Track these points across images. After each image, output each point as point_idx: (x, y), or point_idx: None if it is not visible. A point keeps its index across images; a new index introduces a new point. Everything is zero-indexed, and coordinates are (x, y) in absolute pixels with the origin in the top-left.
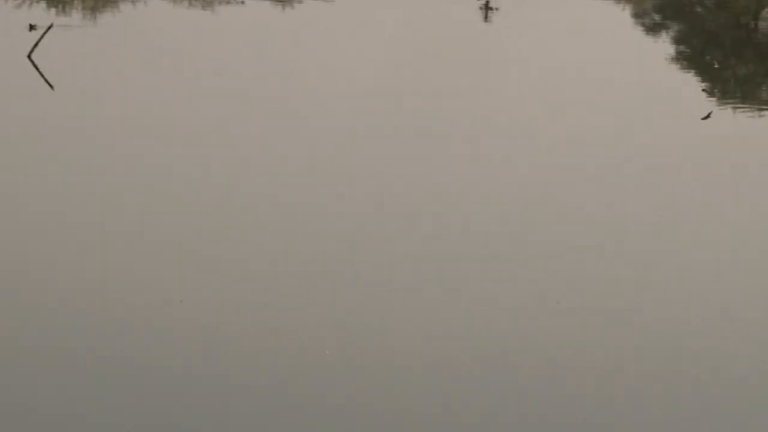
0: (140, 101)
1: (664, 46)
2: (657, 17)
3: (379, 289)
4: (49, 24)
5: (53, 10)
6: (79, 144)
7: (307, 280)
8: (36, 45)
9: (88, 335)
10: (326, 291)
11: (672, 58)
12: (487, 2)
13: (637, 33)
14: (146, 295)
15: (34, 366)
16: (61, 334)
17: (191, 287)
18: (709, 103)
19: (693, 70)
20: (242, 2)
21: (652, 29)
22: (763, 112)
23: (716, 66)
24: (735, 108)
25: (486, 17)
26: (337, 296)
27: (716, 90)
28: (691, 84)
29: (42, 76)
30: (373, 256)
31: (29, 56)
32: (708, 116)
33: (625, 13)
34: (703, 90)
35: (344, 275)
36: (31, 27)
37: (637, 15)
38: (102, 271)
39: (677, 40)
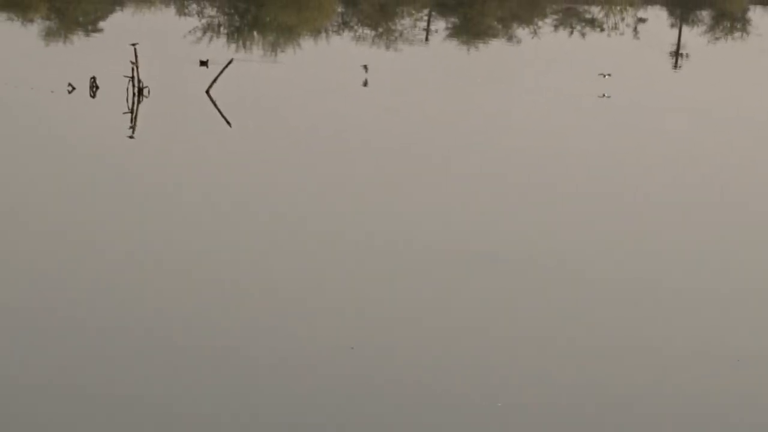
0: (319, 141)
1: None
2: None
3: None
4: (228, 60)
5: (233, 46)
6: (255, 182)
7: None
8: (215, 81)
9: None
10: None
11: None
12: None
13: None
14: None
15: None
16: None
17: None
18: None
19: None
20: (426, 41)
21: None
22: None
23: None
24: None
25: None
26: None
27: None
28: None
29: (220, 112)
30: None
31: (207, 92)
32: None
33: None
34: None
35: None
36: (202, 63)
37: None
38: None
39: None
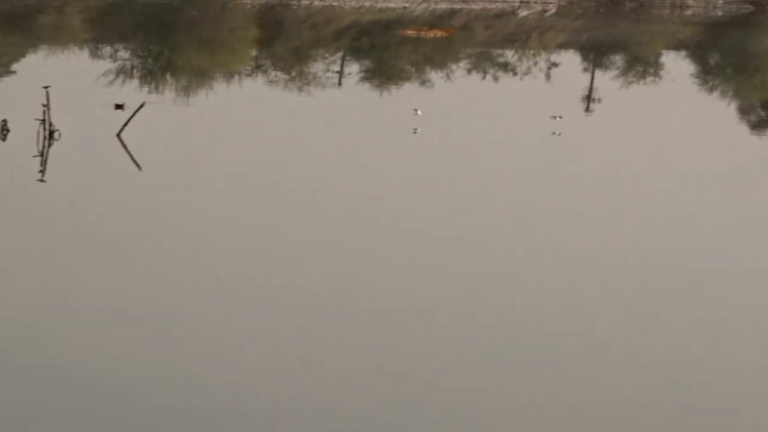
0: (230, 185)
1: None
2: (763, 113)
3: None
4: (140, 103)
5: (146, 89)
6: (164, 227)
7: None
8: (126, 124)
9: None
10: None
11: None
12: None
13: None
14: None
15: None
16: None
17: None
18: None
19: None
20: (339, 85)
21: (758, 126)
22: None
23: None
24: None
25: None
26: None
27: None
28: None
29: (130, 156)
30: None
31: (118, 135)
32: None
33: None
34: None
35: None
36: (117, 106)
37: (743, 110)
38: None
39: None
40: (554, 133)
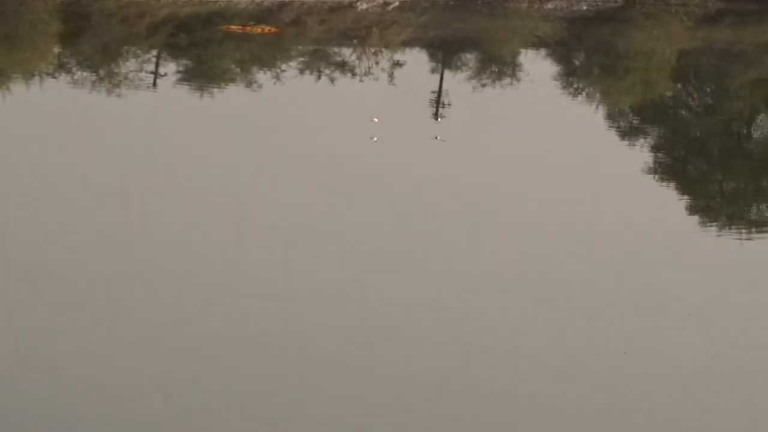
0: (32, 197)
1: (641, 154)
2: (635, 120)
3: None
4: None
5: None
6: None
7: None
8: None
9: None
10: None
11: (649, 169)
12: None
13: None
14: None
15: None
16: None
17: None
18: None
19: (673, 183)
20: (154, 86)
21: (628, 134)
22: (752, 235)
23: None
24: (720, 229)
25: None
26: None
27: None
28: (670, 198)
29: None
30: None
31: None
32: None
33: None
34: None
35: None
36: None
37: (612, 116)
38: None
39: (656, 148)
40: (436, 138)
